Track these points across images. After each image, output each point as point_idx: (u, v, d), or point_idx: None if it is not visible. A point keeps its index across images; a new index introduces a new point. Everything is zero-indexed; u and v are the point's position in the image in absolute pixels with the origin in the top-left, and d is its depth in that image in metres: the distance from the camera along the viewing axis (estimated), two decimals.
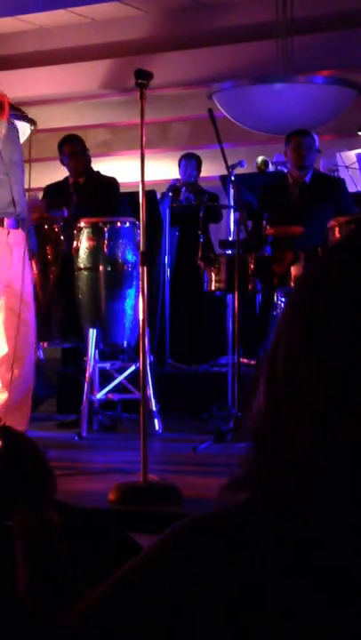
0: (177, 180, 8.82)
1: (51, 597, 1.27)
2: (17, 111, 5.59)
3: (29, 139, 5.25)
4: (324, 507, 1.00)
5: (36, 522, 1.40)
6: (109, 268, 6.38)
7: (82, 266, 6.44)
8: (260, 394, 1.07)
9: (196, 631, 1.02)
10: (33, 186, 5.55)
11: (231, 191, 6.56)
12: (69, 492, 3.90)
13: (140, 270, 4.21)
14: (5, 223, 5.31)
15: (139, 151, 4.10)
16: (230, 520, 1.06)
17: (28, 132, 9.02)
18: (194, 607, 1.02)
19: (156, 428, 6.23)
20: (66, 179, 7.49)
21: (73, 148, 7.42)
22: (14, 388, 5.30)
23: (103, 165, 8.22)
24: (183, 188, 8.54)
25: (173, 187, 8.46)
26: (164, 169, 9.71)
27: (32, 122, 8.74)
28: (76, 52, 10.46)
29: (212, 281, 6.25)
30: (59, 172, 7.66)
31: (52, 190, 7.50)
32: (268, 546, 1.01)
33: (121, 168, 9.53)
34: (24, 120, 8.01)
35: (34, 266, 5.83)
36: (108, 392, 6.41)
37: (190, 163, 8.77)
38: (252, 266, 6.09)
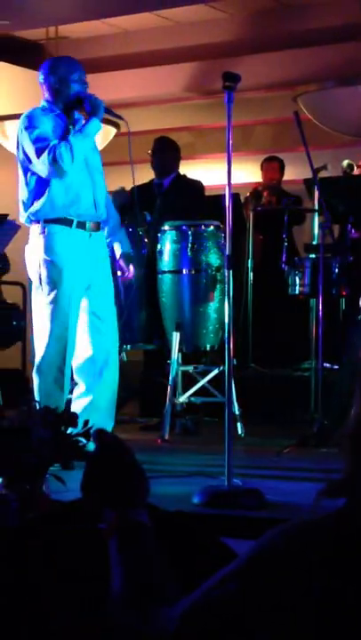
0: (259, 183, 8.79)
1: (144, 598, 1.27)
2: (113, 116, 5.64)
3: (128, 141, 5.28)
4: None
5: (128, 524, 1.40)
6: (193, 272, 6.39)
7: (165, 269, 6.45)
8: (357, 401, 1.07)
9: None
10: (110, 189, 5.57)
11: (316, 194, 6.52)
12: (152, 495, 3.90)
13: (227, 273, 4.20)
14: (87, 226, 5.34)
15: (221, 154, 4.10)
16: (327, 527, 1.05)
17: (112, 134, 9.12)
18: (292, 615, 1.02)
19: (239, 431, 6.21)
20: (151, 181, 7.52)
21: (153, 146, 7.54)
22: (99, 390, 5.33)
23: (186, 168, 8.23)
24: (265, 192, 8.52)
25: (255, 191, 8.44)
26: (246, 172, 9.69)
27: (115, 125, 8.79)
28: (160, 55, 10.48)
29: (296, 285, 6.23)
30: (140, 175, 7.68)
31: (138, 192, 7.54)
32: None
33: (204, 171, 9.54)
34: (109, 123, 8.08)
35: (131, 268, 5.86)
36: (191, 395, 6.41)
37: (272, 166, 8.75)
38: (336, 270, 6.05)
